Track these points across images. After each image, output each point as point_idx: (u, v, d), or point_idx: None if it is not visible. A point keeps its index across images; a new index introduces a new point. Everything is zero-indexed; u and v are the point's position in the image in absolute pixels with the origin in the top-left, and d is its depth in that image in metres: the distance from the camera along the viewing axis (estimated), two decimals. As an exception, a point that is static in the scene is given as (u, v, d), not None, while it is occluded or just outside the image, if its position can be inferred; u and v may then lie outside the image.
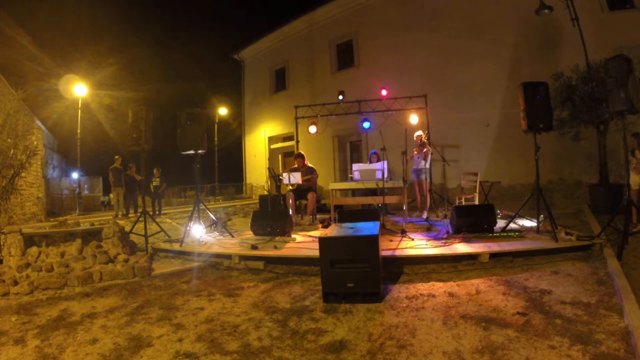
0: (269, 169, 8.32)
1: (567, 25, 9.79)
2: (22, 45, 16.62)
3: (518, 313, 3.43)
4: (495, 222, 6.20)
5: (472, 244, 5.51)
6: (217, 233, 7.59)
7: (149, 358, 3.04)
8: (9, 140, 9.24)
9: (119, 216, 12.09)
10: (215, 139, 23.76)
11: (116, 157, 12.88)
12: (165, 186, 13.92)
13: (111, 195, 12.99)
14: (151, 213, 11.73)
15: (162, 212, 13.31)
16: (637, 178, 6.59)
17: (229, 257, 5.87)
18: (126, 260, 5.70)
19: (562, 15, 9.73)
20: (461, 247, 5.36)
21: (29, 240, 5.78)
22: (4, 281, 5.00)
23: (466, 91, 12.31)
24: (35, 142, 12.39)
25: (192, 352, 3.09)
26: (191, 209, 7.30)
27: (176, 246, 6.57)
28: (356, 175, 8.02)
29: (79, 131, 16.27)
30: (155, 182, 13.02)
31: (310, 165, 8.85)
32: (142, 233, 6.83)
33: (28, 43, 17.11)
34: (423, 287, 4.33)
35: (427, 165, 8.79)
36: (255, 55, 20.66)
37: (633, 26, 9.99)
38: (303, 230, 7.54)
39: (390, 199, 8.01)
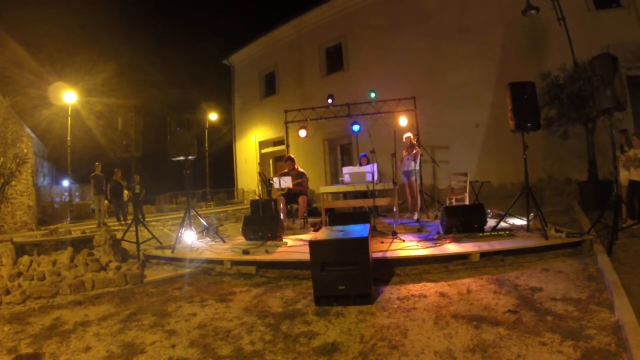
0: (259, 173, 8.33)
1: (553, 25, 9.91)
2: (10, 52, 16.53)
3: (509, 311, 3.46)
4: (486, 222, 6.24)
5: (463, 243, 5.54)
6: (208, 239, 7.55)
7: (141, 365, 3.03)
8: (-2, 148, 9.20)
9: (100, 225, 11.85)
10: (206, 145, 23.74)
11: (96, 164, 12.69)
12: (144, 193, 13.81)
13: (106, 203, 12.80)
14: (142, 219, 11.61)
15: (146, 218, 13.09)
16: (626, 174, 6.66)
17: (220, 262, 5.85)
18: (118, 268, 5.66)
19: (548, 15, 9.84)
20: (452, 247, 5.39)
21: (21, 249, 5.73)
22: (-5, 291, 4.96)
23: (455, 92, 12.40)
24: (25, 150, 12.30)
25: (185, 357, 3.08)
26: (182, 215, 7.27)
27: (168, 253, 6.54)
28: (346, 178, 8.02)
29: (69, 138, 16.22)
30: (136, 189, 12.86)
31: (300, 169, 8.85)
32: (134, 240, 6.79)
33: (17, 50, 17.02)
34: (414, 288, 4.35)
35: (417, 167, 8.82)
36: (245, 60, 20.68)
37: (619, 24, 10.13)
38: (294, 234, 7.53)
39: (381, 201, 8.02)
